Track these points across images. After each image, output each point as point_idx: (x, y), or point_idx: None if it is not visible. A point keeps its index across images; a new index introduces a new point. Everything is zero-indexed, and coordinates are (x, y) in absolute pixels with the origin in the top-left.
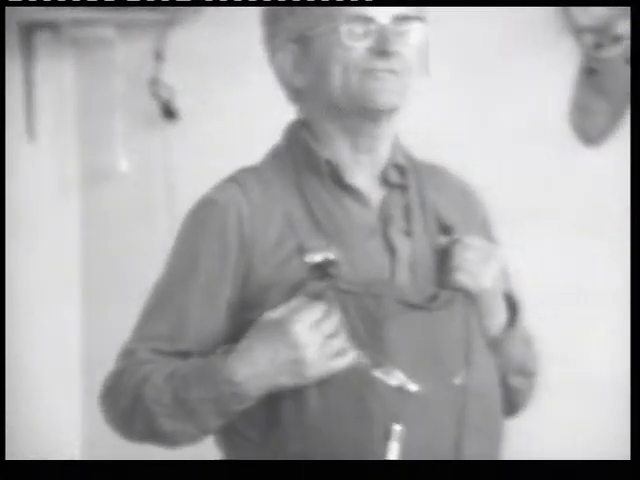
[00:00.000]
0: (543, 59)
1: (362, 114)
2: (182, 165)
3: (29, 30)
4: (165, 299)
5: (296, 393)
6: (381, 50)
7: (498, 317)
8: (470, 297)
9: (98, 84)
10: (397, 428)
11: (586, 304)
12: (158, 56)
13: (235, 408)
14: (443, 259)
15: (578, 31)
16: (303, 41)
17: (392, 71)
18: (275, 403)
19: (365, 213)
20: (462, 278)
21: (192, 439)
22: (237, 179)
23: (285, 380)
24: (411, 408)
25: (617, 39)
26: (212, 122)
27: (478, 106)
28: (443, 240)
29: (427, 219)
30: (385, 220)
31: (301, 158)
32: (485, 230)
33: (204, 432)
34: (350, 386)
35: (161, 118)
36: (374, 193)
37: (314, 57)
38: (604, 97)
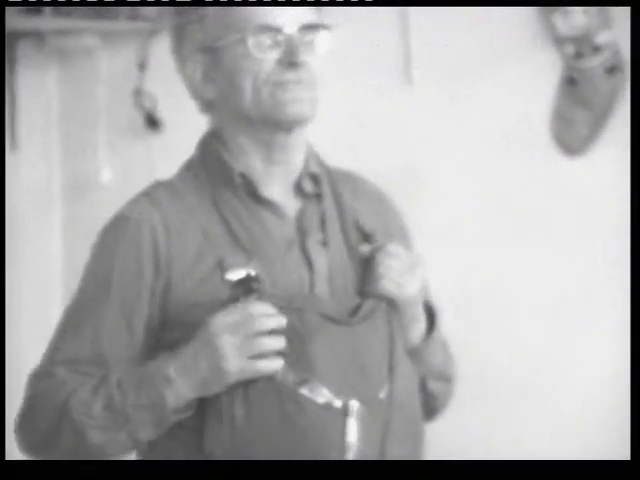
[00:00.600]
0: (524, 69)
1: (274, 126)
2: (165, 175)
3: (12, 39)
4: (80, 320)
5: (221, 410)
6: (289, 61)
7: (418, 325)
8: (393, 306)
9: (81, 94)
10: (355, 405)
11: (587, 303)
12: (141, 66)
13: (169, 414)
14: (366, 267)
15: (559, 41)
16: (212, 52)
17: (301, 82)
18: (203, 414)
19: (282, 225)
20: (388, 286)
21: (123, 450)
22: (150, 194)
23: (209, 377)
24: (337, 424)
25: (597, 49)
26: (195, 132)
27: (460, 115)
28: (366, 248)
29: (345, 228)
30: (302, 231)
31: (215, 171)
32: (404, 238)
33: (135, 443)
34: (276, 404)
35: (144, 128)
36: (290, 204)
37: (223, 68)
38: (585, 107)
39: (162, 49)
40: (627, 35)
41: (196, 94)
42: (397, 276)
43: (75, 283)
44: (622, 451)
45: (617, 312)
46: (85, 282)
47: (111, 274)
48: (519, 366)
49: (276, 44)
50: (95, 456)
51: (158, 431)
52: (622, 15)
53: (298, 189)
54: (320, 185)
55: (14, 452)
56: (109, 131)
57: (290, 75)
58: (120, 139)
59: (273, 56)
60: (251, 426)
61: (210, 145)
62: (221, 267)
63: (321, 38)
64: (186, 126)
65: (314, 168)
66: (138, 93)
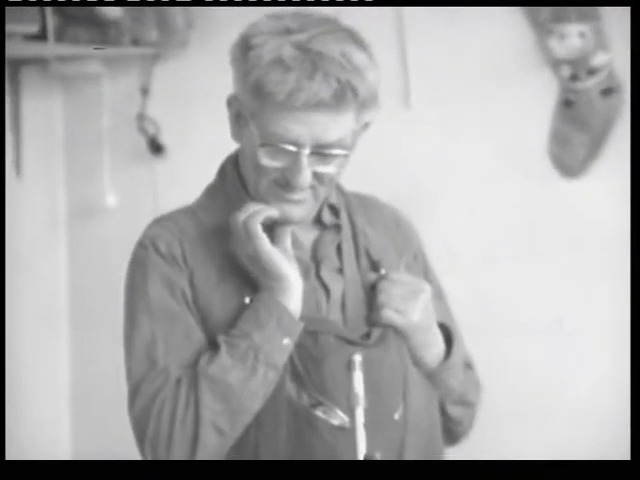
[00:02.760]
0: (521, 91)
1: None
2: (169, 200)
3: (16, 66)
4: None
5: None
6: (288, 184)
7: (433, 349)
8: (399, 333)
9: (85, 119)
10: (358, 358)
11: (587, 318)
12: (144, 91)
13: (294, 320)
14: (372, 296)
15: (555, 63)
16: (244, 110)
17: (297, 201)
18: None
19: (298, 253)
20: (388, 314)
21: (267, 385)
22: (173, 218)
23: None
24: (351, 446)
25: (593, 71)
26: (198, 156)
27: (457, 138)
28: (372, 277)
29: (359, 256)
30: (318, 259)
31: (234, 200)
32: (420, 259)
33: (275, 369)
34: (291, 425)
35: (148, 153)
36: (306, 234)
37: (245, 133)
38: (581, 129)
39: (165, 74)
40: (623, 56)
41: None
42: (398, 304)
43: (81, 307)
44: (622, 451)
45: (616, 320)
46: (129, 310)
47: (150, 298)
48: (519, 366)
49: (287, 155)
50: (245, 401)
51: (291, 344)
52: (618, 36)
53: (317, 219)
54: (338, 215)
55: (14, 452)
56: (113, 156)
57: (285, 194)
58: (124, 164)
59: (280, 164)
60: (265, 448)
61: (230, 174)
62: (240, 293)
63: (339, 158)
64: (189, 151)
65: (334, 199)
66: (141, 118)
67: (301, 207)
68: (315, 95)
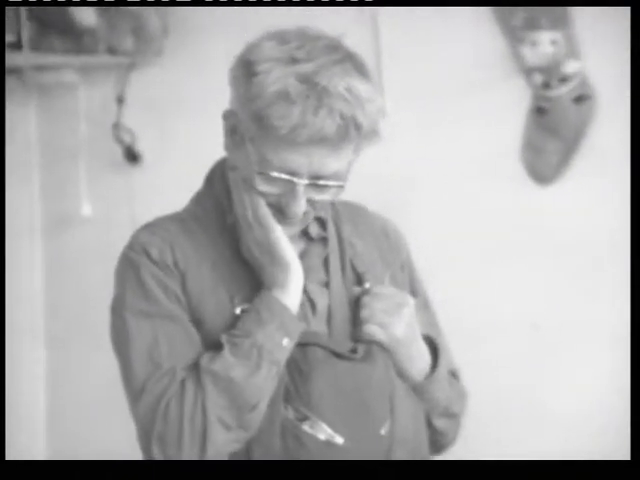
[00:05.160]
0: (494, 98)
1: None
2: (146, 209)
3: None
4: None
5: None
6: (282, 211)
7: (418, 363)
8: (382, 348)
9: (60, 128)
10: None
11: (586, 306)
12: (120, 100)
13: (294, 319)
14: (355, 310)
15: (527, 71)
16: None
17: (288, 223)
18: None
19: None
20: (371, 330)
21: (271, 380)
22: (163, 226)
23: None
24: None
25: (565, 79)
26: (175, 165)
27: (431, 145)
28: (356, 290)
29: (345, 268)
30: (304, 272)
31: (223, 207)
32: (407, 270)
33: (278, 366)
34: (278, 439)
35: (124, 162)
36: (292, 246)
37: (240, 157)
38: (554, 136)
39: (141, 83)
40: (595, 64)
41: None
42: (381, 319)
43: (57, 316)
44: (622, 451)
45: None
46: (120, 316)
47: (156, 291)
48: (519, 366)
49: (284, 183)
50: (250, 397)
51: (291, 344)
52: (590, 44)
53: (304, 232)
54: (326, 228)
55: (14, 452)
56: (89, 165)
57: (280, 219)
58: (100, 173)
59: (276, 190)
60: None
61: (218, 181)
62: (232, 303)
63: (336, 189)
64: (166, 160)
65: (322, 212)
66: (117, 127)
67: (292, 227)
68: (319, 132)
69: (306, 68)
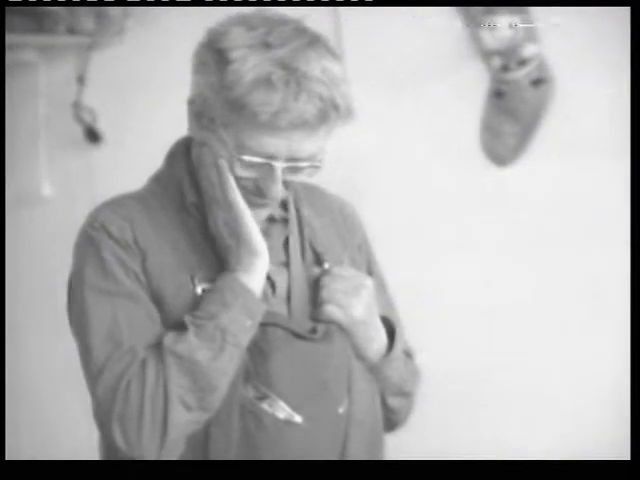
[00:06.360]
0: (454, 82)
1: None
2: (106, 189)
3: None
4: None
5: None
6: (261, 194)
7: (375, 344)
8: (342, 328)
9: (21, 108)
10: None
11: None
12: (80, 79)
13: (258, 302)
14: (315, 291)
15: (486, 54)
16: (214, 110)
17: (262, 205)
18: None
19: None
20: (330, 310)
21: (233, 364)
22: (123, 204)
23: None
24: (296, 440)
25: (523, 62)
26: (136, 145)
27: (391, 128)
28: (315, 271)
29: (304, 249)
30: None
31: (182, 187)
32: (364, 250)
33: (241, 350)
34: (237, 418)
35: (84, 142)
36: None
37: (212, 136)
38: (512, 118)
39: (101, 62)
40: (553, 48)
41: (189, 107)
42: (340, 300)
43: (17, 297)
44: (622, 451)
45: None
46: (79, 294)
47: (113, 268)
48: (519, 367)
49: (261, 166)
50: (213, 379)
51: (254, 326)
52: (548, 28)
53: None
54: (287, 209)
55: (14, 452)
56: (49, 145)
57: (257, 200)
58: (60, 153)
59: (253, 174)
60: (217, 438)
61: (179, 161)
62: (192, 283)
63: (311, 169)
64: (126, 139)
65: (284, 193)
66: (77, 107)
67: (266, 209)
68: (300, 116)
69: (281, 53)
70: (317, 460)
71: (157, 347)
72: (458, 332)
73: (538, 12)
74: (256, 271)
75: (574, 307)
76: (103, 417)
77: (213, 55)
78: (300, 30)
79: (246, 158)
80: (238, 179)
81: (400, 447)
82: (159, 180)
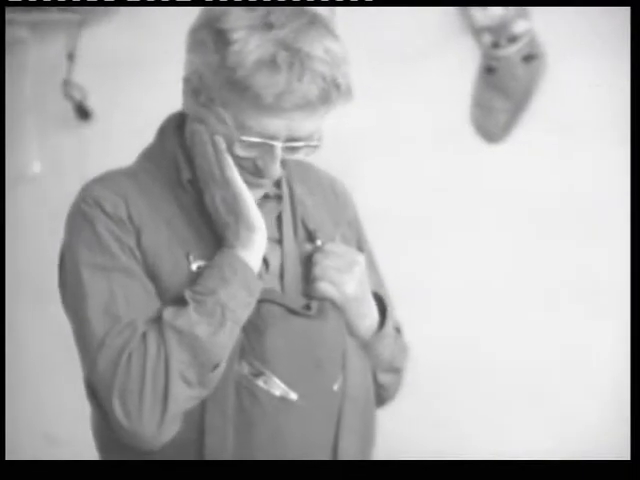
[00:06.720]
0: (445, 59)
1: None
2: (96, 166)
3: None
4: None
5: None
6: (260, 173)
7: (367, 320)
8: (335, 305)
9: (10, 85)
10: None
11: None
12: (70, 57)
13: (256, 279)
14: (308, 267)
15: (477, 31)
16: (213, 88)
17: (260, 184)
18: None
19: None
20: (323, 287)
21: (232, 340)
22: (115, 180)
23: None
24: (291, 416)
25: (514, 38)
26: (126, 122)
27: (384, 107)
28: (308, 247)
29: (297, 226)
30: None
31: (174, 163)
32: (354, 227)
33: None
34: (232, 394)
35: (74, 119)
36: None
37: (210, 113)
38: (503, 95)
39: (92, 40)
40: (544, 24)
41: (184, 83)
42: (333, 276)
43: (12, 275)
44: (622, 451)
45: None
46: (74, 272)
47: (110, 244)
48: (519, 367)
49: (261, 145)
50: (213, 355)
51: (253, 302)
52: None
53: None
54: (280, 185)
55: (14, 452)
56: (39, 122)
57: (255, 180)
58: (50, 130)
59: (253, 154)
60: (213, 415)
61: (171, 137)
62: (187, 260)
63: (309, 149)
64: (116, 117)
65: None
66: (67, 84)
67: (262, 188)
68: (304, 97)
69: (283, 34)
70: (313, 460)
71: (156, 321)
72: (458, 332)
73: (538, 12)
74: (254, 247)
75: (574, 307)
76: (104, 392)
77: (212, 35)
78: (299, 9)
79: (246, 138)
80: (236, 158)
81: (399, 447)
82: (151, 156)
